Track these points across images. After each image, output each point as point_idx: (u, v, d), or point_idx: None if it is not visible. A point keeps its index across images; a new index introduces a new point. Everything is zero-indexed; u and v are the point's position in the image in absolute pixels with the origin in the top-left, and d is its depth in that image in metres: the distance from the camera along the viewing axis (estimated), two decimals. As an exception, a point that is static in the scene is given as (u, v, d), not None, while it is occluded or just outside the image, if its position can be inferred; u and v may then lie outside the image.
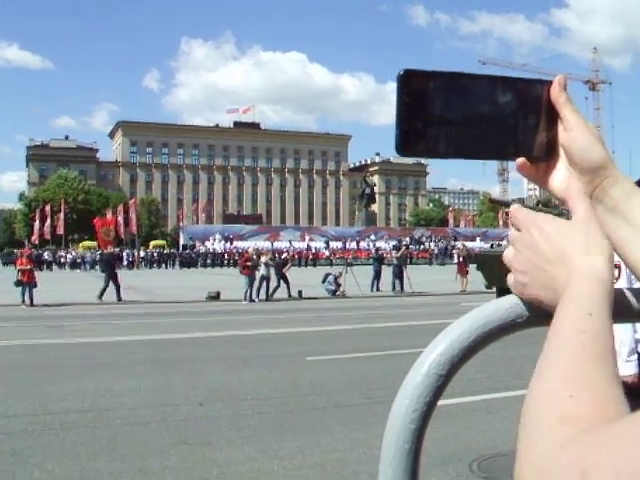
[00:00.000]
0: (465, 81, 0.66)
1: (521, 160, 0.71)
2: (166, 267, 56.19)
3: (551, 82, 0.70)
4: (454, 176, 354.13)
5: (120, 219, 76.51)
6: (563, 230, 0.64)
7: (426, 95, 0.65)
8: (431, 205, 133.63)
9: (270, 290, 22.75)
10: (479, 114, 0.67)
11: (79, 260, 61.03)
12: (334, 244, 71.26)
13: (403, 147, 0.65)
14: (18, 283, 20.45)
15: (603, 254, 0.61)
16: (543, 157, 0.71)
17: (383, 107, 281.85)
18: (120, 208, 79.15)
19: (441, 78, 0.65)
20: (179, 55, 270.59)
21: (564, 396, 0.49)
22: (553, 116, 0.69)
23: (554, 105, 0.69)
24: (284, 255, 28.68)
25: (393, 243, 42.18)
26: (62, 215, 78.50)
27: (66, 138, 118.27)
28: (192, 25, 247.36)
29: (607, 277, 0.59)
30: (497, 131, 0.68)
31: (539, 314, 0.71)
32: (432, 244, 72.52)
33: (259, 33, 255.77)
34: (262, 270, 22.38)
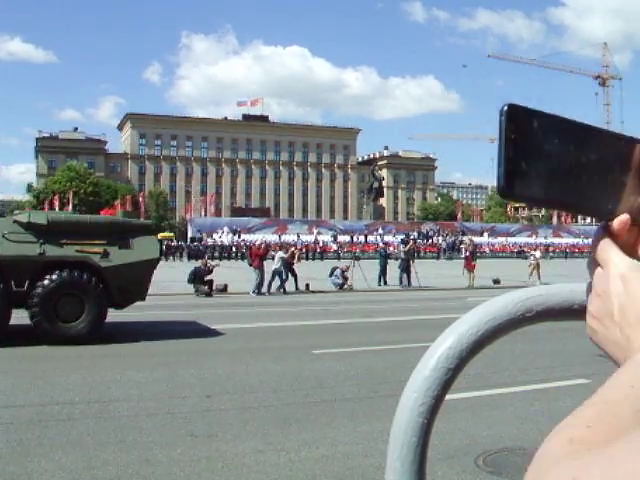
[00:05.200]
0: (568, 126, 0.61)
1: (624, 218, 0.59)
2: (174, 259, 56.23)
3: None
4: (459, 170, 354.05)
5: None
6: None
7: (530, 134, 0.60)
8: (439, 199, 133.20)
9: (279, 283, 22.83)
10: (581, 163, 0.61)
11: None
12: (342, 238, 71.09)
13: (509, 188, 0.58)
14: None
15: None
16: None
17: (387, 102, 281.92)
18: (128, 200, 79.34)
19: (545, 119, 0.60)
20: (180, 49, 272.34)
21: (582, 425, 0.48)
22: None
23: None
24: (292, 249, 28.73)
25: (401, 237, 42.21)
26: (71, 207, 78.72)
27: (75, 130, 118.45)
28: (192, 19, 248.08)
29: None
30: (597, 185, 0.61)
31: (548, 309, 0.70)
32: (440, 238, 72.36)
33: (260, 27, 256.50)
34: (275, 264, 22.46)
